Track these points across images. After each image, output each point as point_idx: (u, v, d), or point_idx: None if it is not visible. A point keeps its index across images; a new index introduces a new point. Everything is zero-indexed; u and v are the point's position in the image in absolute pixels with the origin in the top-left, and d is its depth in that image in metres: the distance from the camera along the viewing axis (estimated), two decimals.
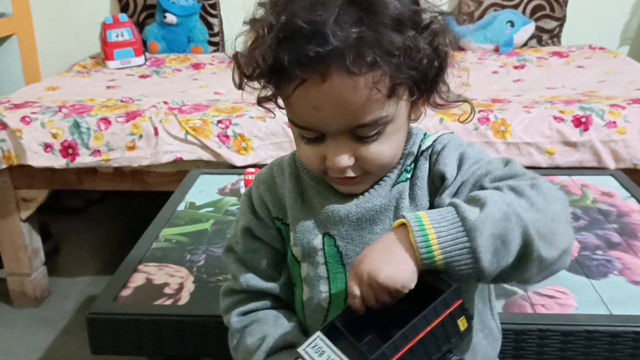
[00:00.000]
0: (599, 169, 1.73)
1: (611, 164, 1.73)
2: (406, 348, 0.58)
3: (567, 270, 1.10)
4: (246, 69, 0.64)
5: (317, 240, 0.72)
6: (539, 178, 0.63)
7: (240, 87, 0.67)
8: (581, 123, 1.73)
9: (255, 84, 0.66)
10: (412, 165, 0.71)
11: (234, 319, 0.78)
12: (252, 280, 0.77)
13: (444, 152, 0.69)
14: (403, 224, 0.61)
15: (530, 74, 2.39)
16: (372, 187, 0.71)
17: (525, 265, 0.60)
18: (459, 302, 0.60)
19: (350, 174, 0.67)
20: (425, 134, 0.74)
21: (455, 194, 0.66)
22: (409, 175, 0.71)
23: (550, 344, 0.95)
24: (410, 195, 0.70)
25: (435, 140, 0.72)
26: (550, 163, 1.74)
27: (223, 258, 0.82)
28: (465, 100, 0.71)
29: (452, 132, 0.74)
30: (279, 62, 0.60)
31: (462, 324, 0.61)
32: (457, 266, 0.58)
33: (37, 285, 2.09)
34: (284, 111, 0.67)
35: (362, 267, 0.59)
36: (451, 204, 0.61)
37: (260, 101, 0.68)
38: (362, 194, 0.71)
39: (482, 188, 0.64)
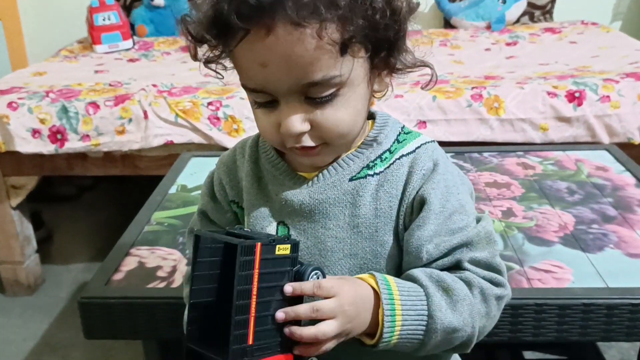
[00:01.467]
0: (593, 144, 1.72)
1: (605, 139, 1.72)
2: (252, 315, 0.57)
3: (563, 244, 1.09)
4: (194, 32, 0.62)
5: (271, 228, 0.70)
6: (507, 286, 0.68)
7: (195, 57, 0.65)
8: (575, 98, 1.72)
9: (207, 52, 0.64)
10: (379, 163, 0.68)
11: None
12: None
13: (433, 177, 0.67)
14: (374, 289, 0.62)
15: (523, 51, 2.37)
16: (328, 172, 0.68)
17: (449, 350, 0.66)
18: (258, 245, 0.57)
19: (308, 142, 0.63)
20: (403, 128, 0.71)
21: (431, 242, 0.65)
22: (371, 172, 0.68)
23: (547, 317, 0.94)
24: (372, 196, 0.67)
25: (419, 147, 0.69)
26: (545, 139, 1.74)
27: (186, 240, 0.81)
28: (425, 65, 0.67)
29: (434, 141, 0.71)
30: (220, 13, 0.58)
31: (281, 250, 0.59)
32: (399, 348, 0.63)
33: (30, 273, 2.07)
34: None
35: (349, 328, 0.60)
36: (425, 291, 0.63)
37: (208, 61, 0.65)
38: (317, 181, 0.68)
39: (460, 264, 0.66)
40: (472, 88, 1.75)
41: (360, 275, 0.64)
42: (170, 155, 1.83)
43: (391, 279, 0.63)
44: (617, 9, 2.98)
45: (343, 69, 0.60)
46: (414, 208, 0.67)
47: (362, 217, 0.67)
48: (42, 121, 1.79)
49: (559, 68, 2.02)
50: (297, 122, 0.62)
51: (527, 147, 1.64)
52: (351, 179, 0.68)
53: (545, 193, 1.30)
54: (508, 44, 2.47)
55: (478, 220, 0.69)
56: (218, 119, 1.78)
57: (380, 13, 0.59)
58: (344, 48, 0.59)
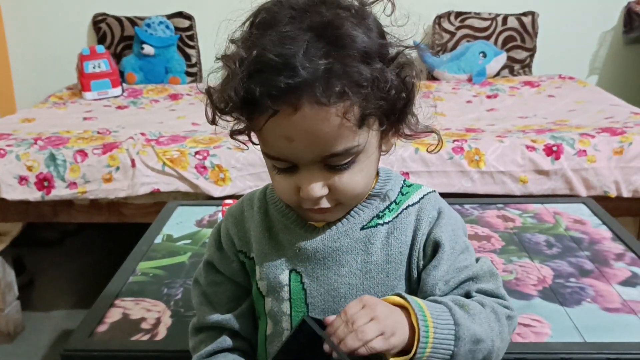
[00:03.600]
0: (571, 197, 1.76)
1: (582, 192, 1.77)
2: None
3: (542, 298, 1.11)
4: (219, 103, 0.66)
5: (284, 276, 0.73)
6: (513, 311, 0.72)
7: (213, 122, 0.68)
8: (552, 152, 1.77)
9: (228, 118, 0.67)
10: (388, 213, 0.73)
11: (193, 333, 0.79)
12: (208, 316, 0.78)
13: (442, 223, 0.72)
14: (403, 306, 0.64)
15: (503, 103, 2.45)
16: (340, 222, 0.72)
17: None
18: None
19: (325, 204, 0.68)
20: (405, 181, 0.76)
21: (443, 280, 0.70)
22: (381, 222, 0.72)
23: None
24: (383, 243, 0.71)
25: (422, 198, 0.73)
26: (524, 191, 1.78)
27: (192, 290, 0.83)
28: (432, 131, 0.73)
29: (435, 191, 0.76)
30: (251, 95, 0.61)
31: None
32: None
33: (11, 320, 2.04)
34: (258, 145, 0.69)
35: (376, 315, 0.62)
36: (445, 305, 0.66)
37: (233, 134, 0.69)
38: (329, 229, 0.72)
39: (469, 294, 0.70)
40: (454, 141, 1.80)
41: (387, 297, 0.66)
42: (157, 203, 1.84)
43: (416, 298, 0.66)
44: (593, 64, 3.09)
45: (360, 139, 0.65)
46: (426, 251, 0.72)
47: (374, 264, 0.71)
48: (29, 168, 1.80)
49: (538, 122, 2.09)
50: (317, 188, 0.66)
51: (507, 199, 1.68)
52: (362, 228, 0.72)
53: (524, 246, 1.33)
54: (489, 97, 2.55)
55: (477, 260, 0.75)
56: (205, 168, 1.80)
57: (395, 89, 0.64)
58: (362, 121, 0.63)
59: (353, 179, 0.67)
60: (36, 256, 2.59)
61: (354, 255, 0.71)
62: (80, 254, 2.67)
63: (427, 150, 0.79)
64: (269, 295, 0.74)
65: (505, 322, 0.69)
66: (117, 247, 1.53)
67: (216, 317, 0.77)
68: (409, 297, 0.65)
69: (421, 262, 0.72)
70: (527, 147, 1.78)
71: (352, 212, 0.72)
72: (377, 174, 0.75)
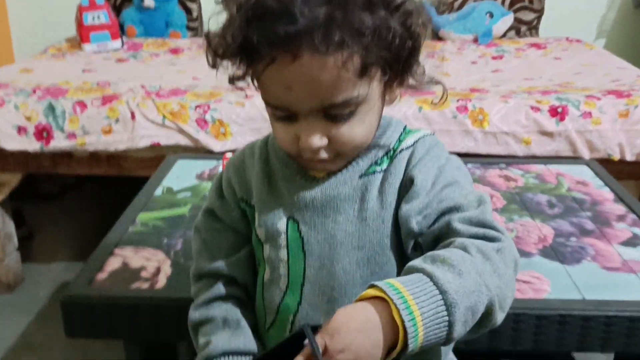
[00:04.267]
0: (574, 159, 1.75)
1: (586, 154, 1.76)
2: None
3: (542, 255, 1.11)
4: (217, 48, 0.64)
5: (282, 224, 0.72)
6: (504, 238, 0.64)
7: (213, 65, 0.67)
8: (557, 113, 1.75)
9: (229, 65, 0.66)
10: (385, 160, 0.71)
11: (191, 314, 0.79)
12: (205, 264, 0.78)
13: (424, 160, 0.69)
14: (377, 297, 0.56)
15: (508, 65, 2.41)
16: (339, 171, 0.71)
17: (480, 329, 0.61)
18: None
19: (323, 155, 0.67)
20: (405, 128, 0.74)
21: (420, 214, 0.66)
22: (378, 169, 0.71)
23: (524, 327, 0.96)
24: (379, 190, 0.70)
25: (417, 141, 0.72)
26: (527, 152, 1.77)
27: (192, 237, 0.83)
28: (438, 82, 0.71)
29: (434, 134, 0.74)
30: (249, 42, 0.60)
31: None
32: (430, 341, 0.56)
33: (10, 271, 2.05)
34: (259, 94, 0.67)
35: (342, 349, 0.54)
36: (425, 273, 0.57)
37: (233, 79, 0.67)
38: (328, 178, 0.71)
39: (450, 224, 0.64)
40: (458, 100, 1.78)
41: (362, 294, 0.58)
42: (156, 157, 1.83)
43: (389, 279, 0.58)
44: (601, 26, 3.04)
45: (361, 90, 0.63)
46: (406, 187, 0.69)
47: (370, 211, 0.70)
48: (28, 118, 1.78)
49: (543, 83, 2.06)
50: (316, 139, 0.65)
51: (510, 159, 1.67)
52: (361, 176, 0.71)
53: (526, 205, 1.33)
54: (494, 58, 2.51)
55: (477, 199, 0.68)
56: (206, 122, 1.78)
57: (399, 38, 0.62)
58: (363, 72, 0.61)
59: (353, 130, 0.66)
60: (36, 210, 2.59)
61: (351, 203, 0.70)
62: (80, 208, 2.67)
63: (432, 102, 0.77)
64: (267, 242, 0.74)
65: (497, 257, 0.61)
66: (116, 202, 1.52)
67: (213, 264, 0.78)
68: (384, 286, 0.56)
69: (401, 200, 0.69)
70: (532, 108, 1.76)
71: (352, 161, 0.71)
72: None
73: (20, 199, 2.35)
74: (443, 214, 0.66)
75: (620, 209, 1.31)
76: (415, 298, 0.55)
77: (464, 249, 0.61)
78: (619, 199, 1.36)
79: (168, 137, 1.80)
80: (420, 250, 0.68)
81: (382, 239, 0.70)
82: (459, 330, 0.57)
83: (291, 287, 0.72)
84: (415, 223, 0.66)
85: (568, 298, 0.99)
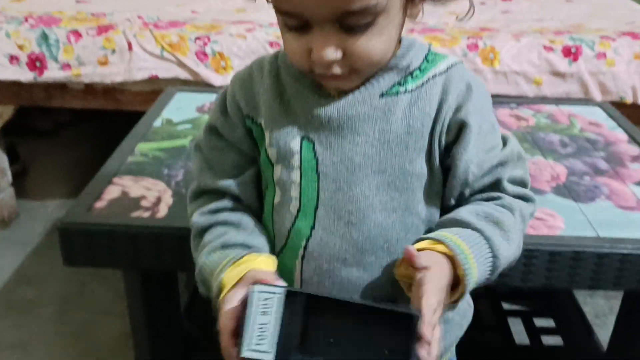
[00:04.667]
0: (586, 101, 1.71)
1: (598, 96, 1.71)
2: None
3: (555, 194, 1.08)
4: None
5: (295, 143, 0.68)
6: (535, 202, 0.73)
7: None
8: (571, 53, 1.70)
9: None
10: (410, 80, 0.67)
11: (197, 218, 0.73)
12: (210, 180, 0.73)
13: (470, 97, 0.66)
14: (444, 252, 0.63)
15: (519, 6, 2.33)
16: (357, 89, 0.66)
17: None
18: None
19: (337, 70, 0.62)
20: (430, 49, 0.69)
21: (473, 162, 0.67)
22: (402, 89, 0.66)
23: (537, 264, 0.94)
24: (405, 113, 0.66)
25: (450, 68, 0.67)
26: (537, 93, 1.72)
27: (192, 156, 0.77)
28: None
29: (462, 62, 0.70)
30: None
31: None
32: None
33: (5, 206, 2.02)
34: (269, 30, 0.62)
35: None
36: (484, 236, 0.65)
37: None
38: (345, 96, 0.66)
39: (500, 183, 0.69)
40: (468, 38, 1.72)
41: (430, 246, 0.64)
42: (154, 91, 1.77)
43: (455, 237, 0.64)
44: None
45: None
46: (450, 127, 0.67)
47: (393, 134, 0.66)
48: (20, 47, 1.71)
49: (555, 25, 1.99)
50: (330, 51, 0.60)
51: (520, 99, 1.62)
52: (382, 95, 0.66)
53: (538, 145, 1.29)
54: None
55: (503, 139, 0.72)
56: (206, 55, 1.72)
57: None
58: None
59: (370, 44, 0.60)
60: (29, 146, 2.54)
61: (372, 124, 0.66)
62: (75, 144, 2.62)
63: (456, 18, 0.72)
64: (278, 163, 0.69)
65: (527, 220, 0.71)
66: (111, 139, 1.47)
67: (218, 182, 0.72)
68: (456, 248, 0.63)
69: (443, 138, 0.67)
70: (545, 47, 1.70)
71: (370, 79, 0.66)
72: (399, 42, 0.68)
73: (13, 135, 2.30)
74: (493, 168, 0.69)
75: (634, 149, 1.28)
76: (476, 260, 0.63)
77: (511, 210, 0.68)
78: (633, 140, 1.32)
79: (167, 70, 1.74)
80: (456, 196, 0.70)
81: (404, 165, 0.66)
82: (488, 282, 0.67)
83: (303, 210, 0.68)
84: (471, 173, 0.68)
85: (583, 235, 0.96)
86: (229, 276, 0.65)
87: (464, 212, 0.67)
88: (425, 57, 0.68)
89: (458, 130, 0.67)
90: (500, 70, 1.69)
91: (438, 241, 0.64)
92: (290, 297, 0.58)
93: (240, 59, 1.72)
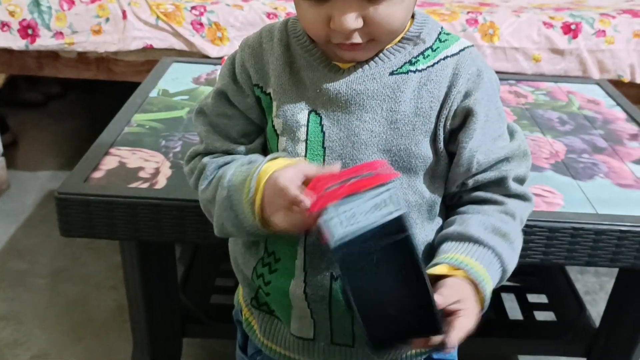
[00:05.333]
0: (584, 79, 1.70)
1: (596, 74, 1.71)
2: None
3: (554, 171, 1.08)
4: None
5: (302, 116, 0.67)
6: (533, 202, 0.73)
7: None
8: (570, 30, 1.69)
9: None
10: (421, 59, 0.66)
11: (207, 160, 0.71)
12: (219, 142, 0.71)
13: (480, 83, 0.65)
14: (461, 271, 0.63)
15: None
16: (367, 64, 0.65)
17: None
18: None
19: (357, 39, 0.61)
20: (442, 29, 0.69)
21: (479, 151, 0.67)
22: (413, 68, 0.65)
23: (535, 240, 0.94)
24: (414, 93, 0.65)
25: (462, 50, 0.67)
26: (536, 70, 1.71)
27: (193, 120, 0.75)
28: None
29: (474, 46, 0.69)
30: None
31: None
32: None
33: None
34: (266, 0, 0.60)
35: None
36: (495, 253, 0.66)
37: None
38: (354, 71, 0.65)
39: (504, 180, 0.69)
40: (468, 12, 1.70)
41: (451, 272, 0.63)
42: (148, 62, 1.74)
43: (472, 261, 0.64)
44: None
45: None
46: (457, 114, 0.66)
47: (401, 113, 0.65)
48: (11, 14, 1.67)
49: (555, 1, 1.97)
50: (352, 19, 0.59)
51: (519, 76, 1.62)
52: (392, 73, 0.65)
53: (536, 121, 1.29)
54: None
55: (510, 129, 0.72)
56: (201, 24, 1.69)
57: None
58: None
59: (391, 11, 0.60)
60: (19, 117, 2.50)
61: (380, 102, 0.65)
62: (66, 117, 2.58)
63: None
64: (283, 134, 0.68)
65: (525, 220, 0.72)
66: (103, 112, 1.44)
67: (228, 144, 0.71)
68: (476, 275, 0.63)
69: (449, 123, 0.66)
70: (545, 23, 1.69)
71: (381, 54, 0.65)
72: (413, 16, 0.67)
73: (2, 106, 2.26)
74: (499, 162, 0.68)
75: (632, 128, 1.28)
76: (492, 279, 0.65)
77: (514, 217, 0.69)
78: (631, 118, 1.33)
79: (161, 40, 1.71)
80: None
81: (410, 146, 0.66)
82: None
83: None
84: (476, 162, 0.67)
85: (581, 212, 0.96)
86: (274, 163, 0.63)
87: (473, 228, 0.66)
88: (438, 36, 0.67)
89: (464, 117, 0.66)
90: (499, 46, 1.68)
91: (458, 268, 0.63)
92: None
93: (237, 29, 1.70)
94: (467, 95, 0.66)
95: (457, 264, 0.63)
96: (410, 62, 0.66)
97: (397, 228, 0.54)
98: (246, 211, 0.64)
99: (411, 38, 0.66)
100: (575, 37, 1.68)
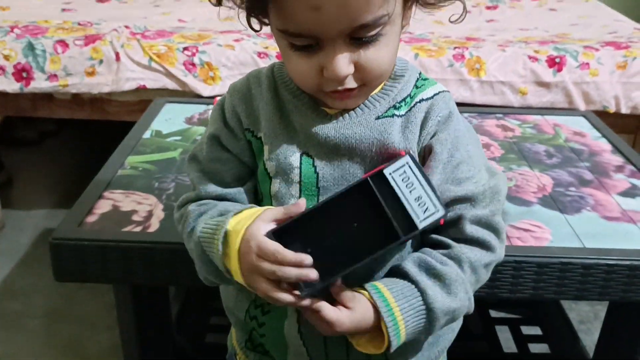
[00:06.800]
0: (570, 110, 1.73)
1: (582, 106, 1.74)
2: None
3: (542, 205, 1.10)
4: None
5: (295, 158, 0.68)
6: (499, 247, 0.70)
7: (219, 1, 0.63)
8: (555, 63, 1.72)
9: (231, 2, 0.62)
10: (404, 105, 0.69)
11: (192, 207, 0.72)
12: (211, 187, 0.72)
13: (443, 129, 0.67)
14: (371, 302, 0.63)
15: (503, 15, 2.36)
16: (353, 111, 0.67)
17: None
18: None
19: (350, 84, 0.63)
20: (420, 74, 0.72)
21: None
22: (397, 112, 0.68)
23: (525, 275, 0.95)
24: (400, 135, 0.67)
25: (436, 94, 0.69)
26: (523, 103, 1.74)
27: (185, 168, 0.77)
28: None
29: (449, 92, 0.72)
30: None
31: None
32: (410, 342, 0.66)
33: None
34: (257, 40, 0.63)
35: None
36: (419, 288, 0.64)
37: (250, 10, 0.62)
38: (342, 117, 0.67)
39: (461, 221, 0.67)
40: (455, 48, 1.74)
41: (363, 293, 0.64)
42: (142, 101, 1.77)
43: (382, 287, 0.64)
44: None
45: (389, 7, 0.59)
46: (423, 153, 0.68)
47: (391, 154, 0.67)
48: (6, 58, 1.70)
49: (539, 34, 2.02)
50: (344, 65, 0.60)
51: (506, 109, 1.65)
52: (378, 117, 0.68)
53: (524, 155, 1.31)
54: (488, 8, 2.46)
55: (490, 171, 0.71)
56: (194, 65, 1.72)
57: None
58: None
59: (380, 54, 0.62)
60: (14, 156, 2.52)
61: (369, 145, 0.67)
62: (60, 154, 2.60)
63: (449, 20, 0.73)
64: (277, 176, 0.70)
65: (483, 271, 0.69)
66: (97, 149, 1.46)
67: (220, 190, 0.72)
68: (375, 294, 0.63)
69: (418, 161, 0.68)
70: (530, 57, 1.73)
71: (367, 102, 0.68)
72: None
73: None
74: (457, 201, 0.67)
75: (618, 160, 1.30)
76: (403, 312, 0.63)
77: (459, 262, 0.66)
78: (617, 150, 1.35)
79: (154, 80, 1.73)
80: None
81: None
82: (435, 333, 0.67)
83: None
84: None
85: (569, 246, 0.98)
86: (240, 218, 0.65)
87: (408, 262, 0.67)
88: (416, 82, 0.70)
89: (427, 155, 0.68)
90: (486, 80, 1.72)
91: (364, 288, 0.64)
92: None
93: (229, 69, 1.73)
94: (434, 135, 0.68)
95: (365, 286, 0.65)
96: (395, 107, 0.68)
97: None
98: (222, 267, 0.66)
99: (394, 84, 0.69)
100: (560, 70, 1.72)
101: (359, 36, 0.60)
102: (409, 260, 0.67)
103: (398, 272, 0.66)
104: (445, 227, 0.68)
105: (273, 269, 0.60)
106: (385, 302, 0.63)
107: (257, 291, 0.63)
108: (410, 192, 0.61)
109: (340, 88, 0.63)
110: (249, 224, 0.63)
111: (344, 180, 0.68)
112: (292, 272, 0.60)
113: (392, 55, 0.64)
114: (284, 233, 0.61)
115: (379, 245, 0.61)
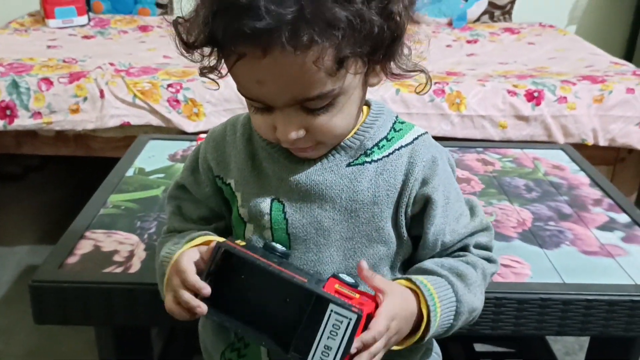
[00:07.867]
0: (550, 143, 1.76)
1: (560, 139, 1.77)
2: None
3: (522, 240, 1.11)
4: (187, 37, 0.61)
5: (265, 204, 0.70)
6: (497, 264, 0.79)
7: (183, 53, 0.64)
8: (534, 97, 1.76)
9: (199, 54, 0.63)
10: (377, 151, 0.69)
11: (161, 238, 0.78)
12: (177, 223, 0.78)
13: (435, 170, 0.70)
14: (414, 290, 0.67)
15: (483, 49, 2.41)
16: (325, 157, 0.69)
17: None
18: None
19: (303, 145, 0.65)
20: (397, 117, 0.73)
21: (444, 233, 0.72)
22: (369, 159, 0.69)
23: (505, 311, 0.96)
24: (371, 183, 0.68)
25: (416, 139, 0.70)
26: (503, 136, 1.77)
27: (165, 204, 0.83)
28: (422, 71, 0.69)
29: (427, 133, 0.73)
30: (214, 37, 0.57)
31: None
32: (433, 336, 0.68)
33: None
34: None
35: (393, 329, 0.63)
36: (448, 281, 0.68)
37: (203, 72, 0.65)
38: (314, 163, 0.69)
39: (467, 249, 0.74)
40: (435, 83, 1.77)
41: (398, 281, 0.68)
42: (126, 137, 1.77)
43: (423, 278, 0.68)
44: (573, 12, 3.07)
45: (337, 83, 0.60)
46: (416, 200, 0.70)
47: (360, 203, 0.68)
48: None
49: (518, 68, 2.07)
50: (292, 132, 0.63)
51: (486, 143, 1.67)
52: (349, 165, 0.69)
53: (504, 189, 1.32)
54: (469, 42, 2.51)
55: (470, 205, 0.77)
56: (178, 101, 1.73)
57: (378, 28, 0.58)
58: (338, 66, 0.58)
59: (331, 121, 0.63)
60: None
61: (339, 192, 0.68)
62: (44, 189, 2.58)
63: (415, 90, 0.75)
64: (250, 222, 0.72)
65: (489, 279, 0.76)
66: (82, 184, 1.46)
67: (186, 225, 0.77)
68: (421, 285, 0.66)
69: (410, 210, 0.70)
70: (509, 91, 1.76)
71: (338, 147, 0.69)
72: (369, 106, 0.71)
73: None
74: (465, 237, 0.74)
75: (596, 193, 1.32)
76: (440, 301, 0.66)
77: (474, 267, 0.72)
78: (595, 183, 1.37)
79: (139, 117, 1.75)
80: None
81: (371, 233, 0.69)
82: (454, 332, 0.70)
83: None
84: (441, 243, 0.72)
85: (549, 282, 0.99)
86: (186, 246, 0.70)
87: (428, 263, 0.71)
88: (393, 125, 0.71)
89: (424, 204, 0.70)
90: (466, 114, 1.75)
91: (405, 279, 0.67)
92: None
93: (213, 105, 1.74)
94: (424, 182, 0.69)
95: (404, 277, 0.68)
96: (366, 154, 0.69)
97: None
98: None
99: (366, 130, 0.69)
100: (538, 104, 1.75)
101: (308, 107, 0.61)
102: (430, 262, 0.71)
103: (423, 271, 0.70)
104: (454, 251, 0.74)
105: (176, 287, 0.64)
106: (426, 288, 0.66)
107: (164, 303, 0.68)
108: (328, 338, 0.60)
109: (293, 147, 0.65)
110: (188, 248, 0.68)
111: (312, 227, 0.69)
112: (185, 296, 0.63)
113: (348, 121, 0.66)
114: (237, 259, 0.63)
115: (273, 336, 0.62)
